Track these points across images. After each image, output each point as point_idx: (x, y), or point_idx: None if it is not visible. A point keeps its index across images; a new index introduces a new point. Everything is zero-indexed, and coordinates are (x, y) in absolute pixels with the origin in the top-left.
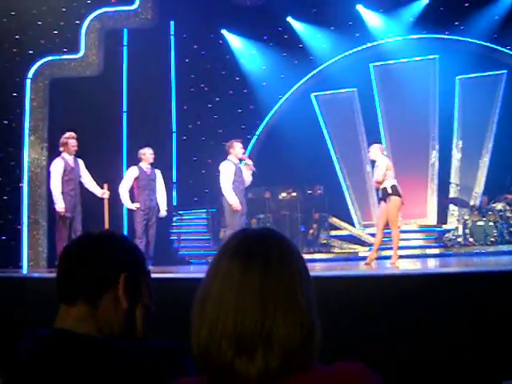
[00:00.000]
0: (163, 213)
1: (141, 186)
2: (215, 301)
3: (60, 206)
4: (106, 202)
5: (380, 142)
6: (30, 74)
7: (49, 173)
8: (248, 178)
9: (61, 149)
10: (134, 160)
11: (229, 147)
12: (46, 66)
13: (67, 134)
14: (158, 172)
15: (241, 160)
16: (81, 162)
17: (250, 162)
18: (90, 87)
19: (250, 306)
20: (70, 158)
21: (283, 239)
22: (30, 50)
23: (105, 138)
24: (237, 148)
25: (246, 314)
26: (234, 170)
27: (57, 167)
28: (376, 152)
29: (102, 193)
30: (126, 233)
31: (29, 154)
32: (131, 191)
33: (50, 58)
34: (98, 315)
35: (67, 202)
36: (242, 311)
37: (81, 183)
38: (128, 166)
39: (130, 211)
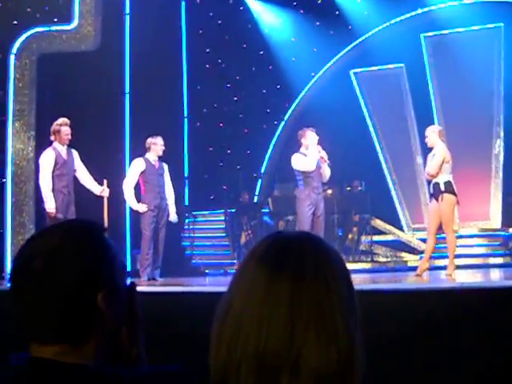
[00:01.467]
0: (173, 217)
1: (148, 181)
2: (236, 315)
3: (50, 205)
4: (105, 201)
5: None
6: (15, 49)
7: (37, 166)
8: (326, 171)
9: (52, 138)
10: (138, 151)
11: (301, 136)
12: (34, 38)
13: (59, 121)
14: (165, 166)
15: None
16: (75, 153)
17: (323, 153)
18: (86, 64)
19: (276, 324)
20: (62, 149)
21: (322, 245)
22: (14, 21)
23: (103, 124)
24: (309, 137)
25: (271, 333)
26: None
27: (47, 159)
28: (433, 138)
29: (101, 190)
30: (129, 238)
31: (13, 143)
32: (137, 189)
33: (37, 29)
34: (83, 349)
35: (59, 200)
36: (266, 329)
37: (75, 178)
38: (131, 158)
39: (134, 212)
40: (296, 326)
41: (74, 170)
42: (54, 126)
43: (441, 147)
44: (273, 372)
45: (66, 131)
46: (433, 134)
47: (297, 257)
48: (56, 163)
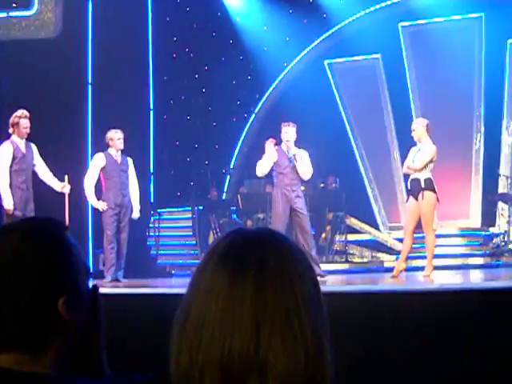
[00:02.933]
0: (136, 214)
1: (109, 178)
2: (197, 321)
3: (8, 202)
4: (66, 198)
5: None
6: None
7: None
8: (302, 168)
9: (10, 130)
10: (101, 145)
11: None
12: None
13: (18, 112)
14: (129, 161)
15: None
16: (34, 147)
17: (295, 150)
18: (46, 52)
19: (240, 329)
20: (21, 143)
21: (284, 241)
22: None
23: (64, 116)
24: (283, 132)
25: (235, 339)
26: (276, 157)
27: (4, 154)
28: (421, 132)
29: (62, 186)
30: (91, 237)
31: None
32: (98, 185)
33: None
34: (43, 357)
35: (17, 197)
36: (230, 335)
37: (34, 174)
38: (93, 153)
39: (96, 210)
40: (261, 328)
41: (33, 165)
42: (13, 118)
43: (431, 145)
44: (239, 378)
45: (24, 124)
46: (422, 128)
47: (259, 255)
48: (14, 157)
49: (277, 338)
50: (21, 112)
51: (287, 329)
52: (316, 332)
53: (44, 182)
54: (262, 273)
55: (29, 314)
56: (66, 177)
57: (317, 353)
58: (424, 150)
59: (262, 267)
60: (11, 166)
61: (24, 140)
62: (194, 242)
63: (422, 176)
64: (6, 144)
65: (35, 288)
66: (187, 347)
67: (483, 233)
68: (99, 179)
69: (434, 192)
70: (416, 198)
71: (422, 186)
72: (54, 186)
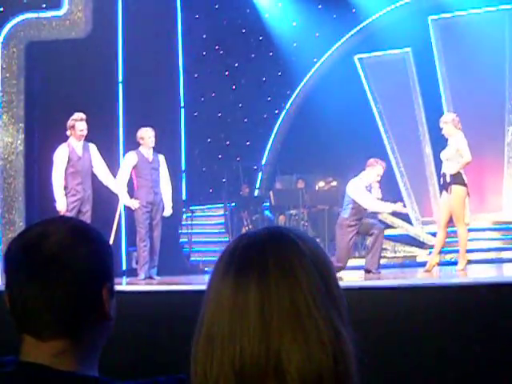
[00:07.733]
0: (168, 211)
1: (141, 176)
2: (207, 333)
3: (60, 205)
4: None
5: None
6: (1, 38)
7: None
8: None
9: (68, 133)
10: (133, 143)
11: (370, 164)
12: (21, 26)
13: (75, 116)
14: (161, 158)
15: None
16: (93, 149)
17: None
18: (77, 52)
19: (248, 331)
20: (77, 145)
21: (286, 237)
22: (0, 8)
23: (96, 115)
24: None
25: (244, 342)
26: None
27: (59, 156)
28: (448, 128)
29: None
30: (124, 235)
31: (1, 137)
32: (130, 183)
33: (25, 16)
34: (82, 347)
35: (72, 199)
36: (239, 340)
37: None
38: (125, 151)
39: (128, 208)
40: (269, 329)
41: (91, 167)
42: (70, 121)
43: (458, 139)
44: (255, 383)
45: (80, 126)
46: (445, 125)
47: (260, 257)
48: (69, 160)
49: (287, 334)
50: (77, 115)
51: (297, 323)
52: (331, 324)
53: (103, 182)
54: (263, 273)
55: (79, 301)
56: None
57: (335, 346)
58: (451, 144)
59: (263, 268)
60: (67, 169)
61: (82, 142)
62: (227, 239)
63: (448, 170)
64: (63, 147)
65: (85, 277)
66: (201, 360)
67: None
68: (131, 177)
69: (463, 185)
70: (447, 192)
71: (448, 180)
72: (110, 186)
